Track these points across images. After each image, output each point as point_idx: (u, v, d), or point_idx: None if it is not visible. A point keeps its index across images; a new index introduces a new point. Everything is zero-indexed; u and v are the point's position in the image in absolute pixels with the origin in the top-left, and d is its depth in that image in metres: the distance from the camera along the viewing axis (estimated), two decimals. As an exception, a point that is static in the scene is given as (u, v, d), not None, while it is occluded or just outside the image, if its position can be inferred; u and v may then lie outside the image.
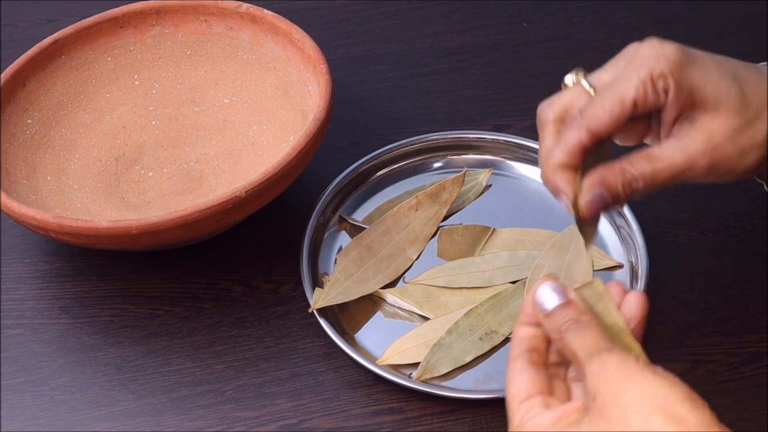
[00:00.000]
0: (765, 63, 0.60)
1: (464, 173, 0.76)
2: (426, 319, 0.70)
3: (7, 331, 0.72)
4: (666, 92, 0.55)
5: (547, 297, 0.52)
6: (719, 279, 0.72)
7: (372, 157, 0.79)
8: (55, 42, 0.80)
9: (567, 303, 0.52)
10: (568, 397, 0.52)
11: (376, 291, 0.71)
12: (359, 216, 0.77)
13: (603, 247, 0.74)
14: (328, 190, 0.76)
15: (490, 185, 0.78)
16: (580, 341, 0.50)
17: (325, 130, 0.73)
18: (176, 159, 0.81)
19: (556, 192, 0.57)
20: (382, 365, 0.67)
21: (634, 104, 0.55)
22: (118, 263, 0.76)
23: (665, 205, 0.77)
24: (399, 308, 0.71)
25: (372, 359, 0.67)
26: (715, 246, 0.75)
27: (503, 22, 0.94)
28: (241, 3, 0.81)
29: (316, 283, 0.72)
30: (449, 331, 0.68)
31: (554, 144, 0.57)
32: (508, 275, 0.72)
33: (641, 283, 0.70)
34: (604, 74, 0.58)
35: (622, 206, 0.70)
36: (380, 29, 0.94)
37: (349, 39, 0.93)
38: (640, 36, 0.91)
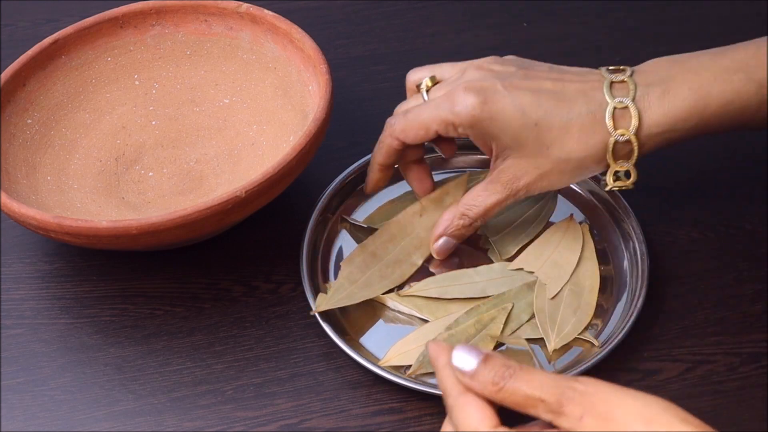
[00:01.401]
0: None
1: (467, 175, 0.76)
2: (426, 321, 0.70)
3: (7, 331, 0.72)
4: (465, 132, 0.67)
5: (465, 361, 0.52)
6: (719, 279, 0.72)
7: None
8: (55, 42, 0.80)
9: (487, 357, 0.52)
10: None
11: (378, 296, 0.71)
12: (360, 216, 0.77)
13: (603, 246, 0.74)
14: (328, 190, 0.76)
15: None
16: (533, 382, 0.50)
17: (325, 130, 0.73)
18: (176, 159, 0.81)
19: (372, 184, 0.74)
20: (384, 366, 0.67)
21: (437, 133, 0.68)
22: (118, 263, 0.76)
23: (665, 205, 0.77)
24: (399, 312, 0.71)
25: (372, 359, 0.67)
26: (714, 246, 0.75)
27: (503, 22, 0.94)
28: (241, 3, 0.81)
29: (316, 283, 0.72)
30: (449, 328, 0.68)
31: (378, 144, 0.71)
32: (501, 286, 0.71)
33: (641, 283, 0.70)
34: (440, 91, 0.69)
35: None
36: (380, 29, 0.94)
37: (349, 39, 0.93)
38: (639, 36, 0.92)
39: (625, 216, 0.74)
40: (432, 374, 0.66)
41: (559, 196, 0.77)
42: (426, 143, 0.72)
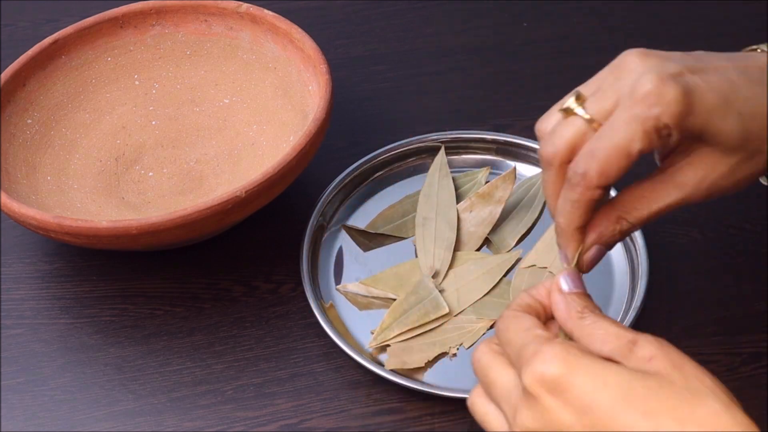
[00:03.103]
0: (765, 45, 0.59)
1: (513, 170, 0.76)
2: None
3: (7, 331, 0.72)
4: (669, 137, 0.52)
5: (567, 283, 0.53)
6: (719, 279, 0.72)
7: (372, 157, 0.79)
8: (55, 42, 0.80)
9: (585, 294, 0.52)
10: None
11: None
12: (360, 219, 0.77)
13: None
14: (328, 190, 0.76)
15: (488, 182, 0.78)
16: (616, 324, 0.49)
17: (325, 130, 0.73)
18: (176, 159, 0.81)
19: (566, 250, 0.57)
20: (372, 349, 0.68)
21: (640, 153, 0.52)
22: (118, 263, 0.76)
23: (665, 205, 0.77)
24: (374, 298, 0.72)
25: (372, 359, 0.67)
26: (715, 246, 0.75)
27: (503, 22, 0.94)
28: (241, 3, 0.81)
29: (316, 283, 0.72)
30: (407, 296, 0.70)
31: (568, 203, 0.55)
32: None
33: (641, 283, 0.70)
34: (603, 100, 0.53)
35: None
36: (380, 29, 0.94)
37: (349, 39, 0.93)
38: (639, 36, 0.92)
39: (625, 216, 0.74)
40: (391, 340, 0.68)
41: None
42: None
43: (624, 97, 0.52)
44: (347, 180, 0.77)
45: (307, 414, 0.67)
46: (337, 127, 0.83)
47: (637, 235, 0.72)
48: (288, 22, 0.79)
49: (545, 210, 0.76)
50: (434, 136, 0.80)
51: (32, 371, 0.70)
